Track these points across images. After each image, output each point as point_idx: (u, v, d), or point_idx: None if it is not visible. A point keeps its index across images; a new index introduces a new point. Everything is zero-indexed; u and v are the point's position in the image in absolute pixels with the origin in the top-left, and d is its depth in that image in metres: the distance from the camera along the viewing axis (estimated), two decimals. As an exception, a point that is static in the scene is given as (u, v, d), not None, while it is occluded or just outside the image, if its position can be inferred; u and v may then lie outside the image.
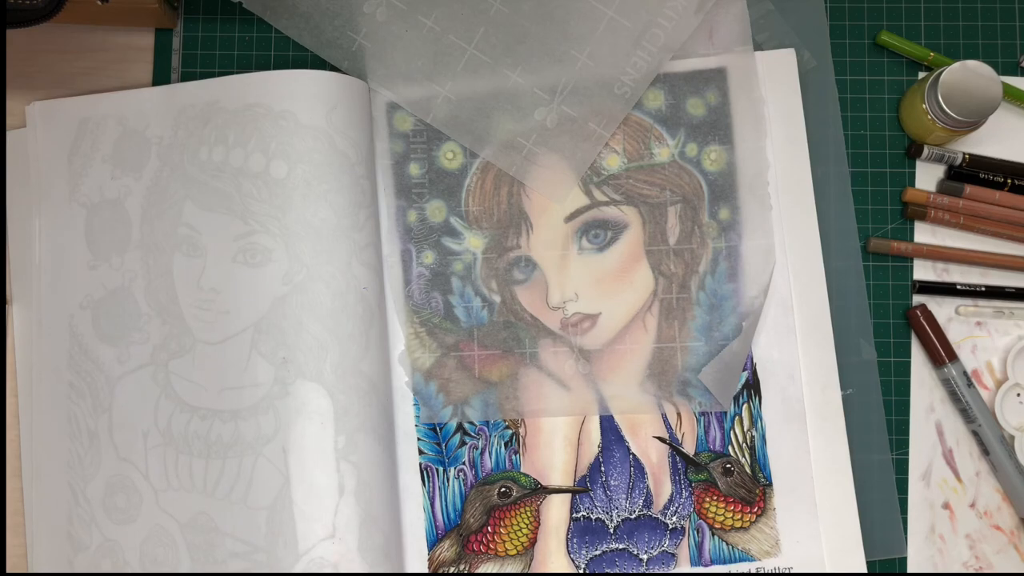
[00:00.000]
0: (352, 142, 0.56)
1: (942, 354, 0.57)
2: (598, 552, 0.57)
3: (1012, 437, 0.57)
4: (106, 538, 0.55)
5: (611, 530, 0.57)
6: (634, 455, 0.57)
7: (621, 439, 0.57)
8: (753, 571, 0.56)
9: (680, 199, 0.58)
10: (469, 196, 0.58)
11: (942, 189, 0.59)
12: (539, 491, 0.57)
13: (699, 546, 0.56)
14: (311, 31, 0.59)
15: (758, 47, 0.59)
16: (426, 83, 0.58)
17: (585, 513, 0.57)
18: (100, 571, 0.55)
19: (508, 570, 0.56)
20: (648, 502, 0.57)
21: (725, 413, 0.57)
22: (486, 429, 0.57)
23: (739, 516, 0.56)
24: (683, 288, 0.58)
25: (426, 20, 0.58)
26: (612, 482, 0.57)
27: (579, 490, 0.57)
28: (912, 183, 0.59)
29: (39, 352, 0.57)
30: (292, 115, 0.55)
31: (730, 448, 0.57)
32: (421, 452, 0.57)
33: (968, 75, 0.55)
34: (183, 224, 0.56)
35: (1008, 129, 0.59)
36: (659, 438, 0.57)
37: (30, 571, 0.56)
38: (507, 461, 0.57)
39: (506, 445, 0.57)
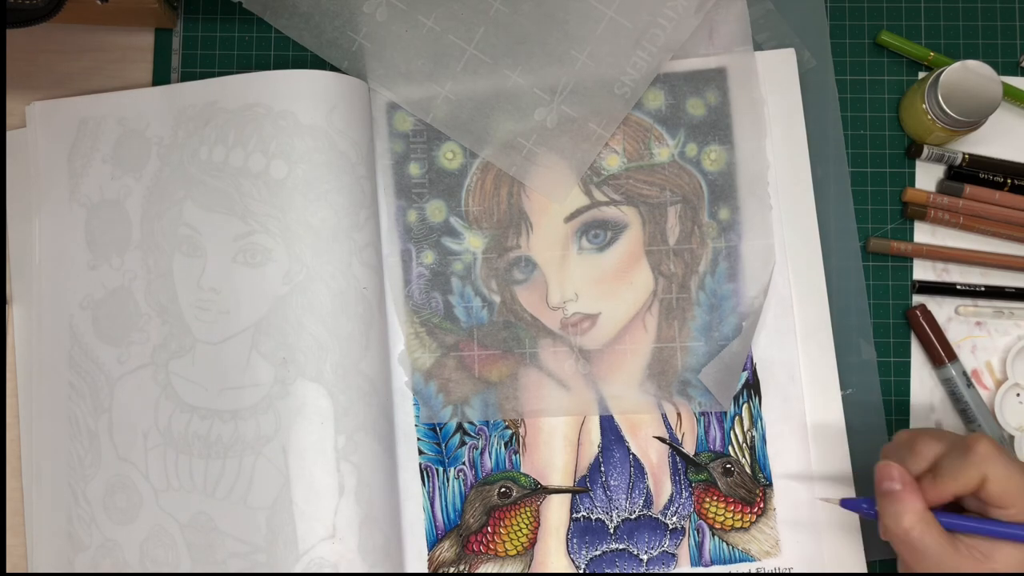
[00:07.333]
0: (352, 142, 0.56)
1: (942, 354, 0.57)
2: (598, 552, 0.56)
3: (1012, 437, 0.57)
4: (106, 538, 0.55)
5: (611, 530, 0.57)
6: (634, 455, 0.57)
7: (621, 439, 0.57)
8: (753, 571, 0.56)
9: (680, 199, 0.58)
10: (469, 196, 0.58)
11: (942, 189, 0.59)
12: (539, 491, 0.57)
13: (699, 546, 0.56)
14: (311, 31, 0.59)
15: (758, 47, 0.59)
16: (426, 83, 0.58)
17: (585, 513, 0.57)
18: (100, 571, 0.55)
19: (508, 570, 0.56)
20: (648, 502, 0.57)
21: (725, 413, 0.57)
22: (486, 429, 0.57)
23: (739, 516, 0.56)
24: (683, 288, 0.58)
25: (426, 20, 0.58)
26: (612, 482, 0.57)
27: (579, 490, 0.57)
28: (912, 183, 0.59)
29: (39, 352, 0.57)
30: (292, 115, 0.55)
31: (730, 448, 0.57)
32: (421, 452, 0.57)
33: (968, 75, 0.55)
34: (183, 224, 0.56)
35: (1008, 129, 0.59)
36: (659, 438, 0.57)
37: (30, 571, 0.56)
38: (507, 461, 0.57)
39: (506, 445, 0.57)
